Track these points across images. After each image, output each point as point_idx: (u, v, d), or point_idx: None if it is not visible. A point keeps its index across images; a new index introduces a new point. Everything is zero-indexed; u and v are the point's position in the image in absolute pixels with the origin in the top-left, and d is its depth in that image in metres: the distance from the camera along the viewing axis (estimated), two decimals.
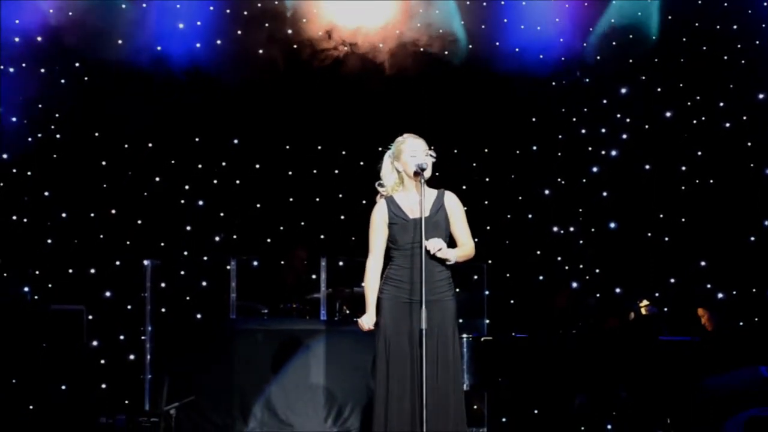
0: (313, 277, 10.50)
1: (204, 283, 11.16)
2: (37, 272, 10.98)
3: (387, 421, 6.19)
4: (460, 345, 8.59)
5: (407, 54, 11.50)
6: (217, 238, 11.61)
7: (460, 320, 9.68)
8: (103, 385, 10.55)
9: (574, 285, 11.78)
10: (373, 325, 6.38)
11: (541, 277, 12.01)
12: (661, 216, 12.11)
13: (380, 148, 6.54)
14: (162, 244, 11.34)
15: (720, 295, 11.59)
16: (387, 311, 6.32)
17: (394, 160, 6.45)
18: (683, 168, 12.16)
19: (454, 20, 11.74)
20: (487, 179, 12.13)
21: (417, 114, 11.13)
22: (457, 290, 6.48)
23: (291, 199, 11.87)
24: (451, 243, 6.36)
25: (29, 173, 11.11)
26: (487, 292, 10.78)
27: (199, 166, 11.69)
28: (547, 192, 12.21)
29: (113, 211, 11.32)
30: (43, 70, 11.09)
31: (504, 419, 10.25)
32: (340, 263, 10.40)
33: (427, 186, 6.39)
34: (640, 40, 12.11)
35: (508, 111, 11.96)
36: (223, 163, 11.76)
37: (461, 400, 6.32)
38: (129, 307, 10.94)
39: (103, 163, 11.37)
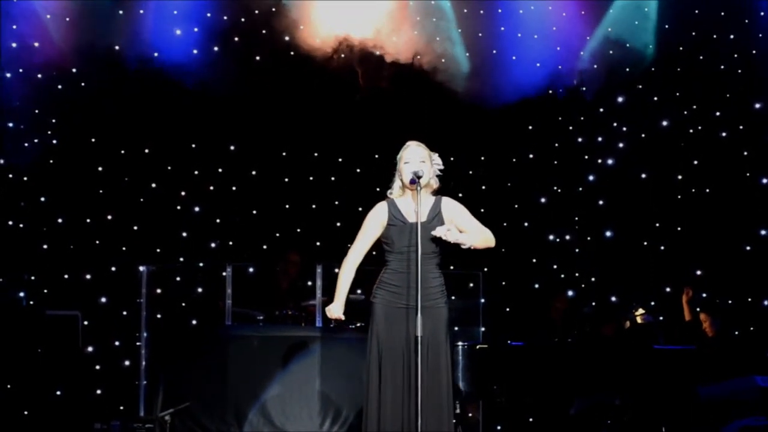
0: (309, 283, 10.48)
1: (199, 289, 11.15)
2: (32, 277, 10.95)
3: (380, 426, 6.18)
4: (455, 353, 8.64)
5: (404, 61, 11.50)
6: (212, 245, 11.60)
7: (456, 328, 9.73)
8: (98, 391, 10.55)
9: (570, 293, 11.78)
10: (340, 314, 6.39)
11: (536, 285, 12.01)
12: (657, 224, 12.12)
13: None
14: (158, 249, 11.32)
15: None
16: (380, 317, 6.32)
17: (398, 167, 6.46)
18: (679, 177, 12.17)
19: (451, 28, 11.73)
20: (484, 187, 12.13)
21: (414, 121, 11.14)
22: (453, 297, 6.47)
23: (287, 206, 11.86)
24: (452, 249, 6.36)
25: (25, 178, 11.08)
26: (482, 300, 10.76)
27: (195, 172, 11.68)
28: (543, 200, 12.21)
29: (109, 217, 11.30)
30: (39, 75, 11.07)
31: (499, 427, 10.23)
32: (336, 270, 10.35)
33: (430, 194, 6.41)
34: (636, 49, 12.12)
35: (504, 119, 11.96)
36: (220, 170, 11.75)
37: (451, 407, 6.31)
38: (124, 312, 10.93)
39: (100, 168, 11.35)
